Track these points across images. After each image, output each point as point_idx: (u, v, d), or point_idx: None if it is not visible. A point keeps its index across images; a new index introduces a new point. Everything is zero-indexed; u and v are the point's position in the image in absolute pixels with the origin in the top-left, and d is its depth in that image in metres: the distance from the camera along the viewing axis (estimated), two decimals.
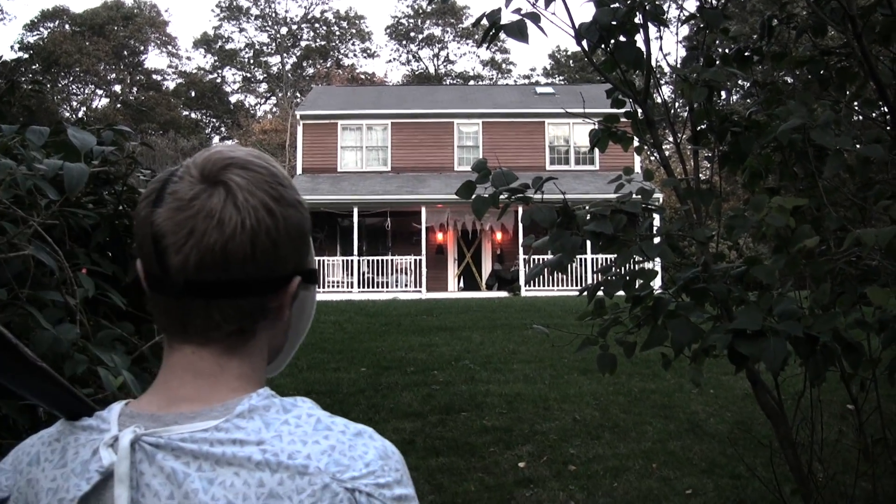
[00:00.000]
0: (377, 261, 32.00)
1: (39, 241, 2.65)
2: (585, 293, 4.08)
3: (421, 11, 78.84)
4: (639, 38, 4.09)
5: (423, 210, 31.53)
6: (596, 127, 4.62)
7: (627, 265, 3.82)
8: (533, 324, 5.59)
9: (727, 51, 4.77)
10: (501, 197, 3.87)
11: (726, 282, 3.75)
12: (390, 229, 33.58)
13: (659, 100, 4.65)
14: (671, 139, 4.64)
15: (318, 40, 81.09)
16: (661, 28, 4.30)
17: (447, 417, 9.89)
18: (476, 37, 72.44)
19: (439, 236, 33.76)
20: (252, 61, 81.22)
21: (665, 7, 4.20)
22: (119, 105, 71.16)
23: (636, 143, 4.61)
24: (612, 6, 3.95)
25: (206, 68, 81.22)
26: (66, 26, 71.83)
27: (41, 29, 71.04)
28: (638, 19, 4.05)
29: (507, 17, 3.82)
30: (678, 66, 4.54)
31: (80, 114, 66.85)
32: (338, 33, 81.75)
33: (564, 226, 3.81)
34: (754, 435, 7.48)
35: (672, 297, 3.92)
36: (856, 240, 2.98)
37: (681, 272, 3.98)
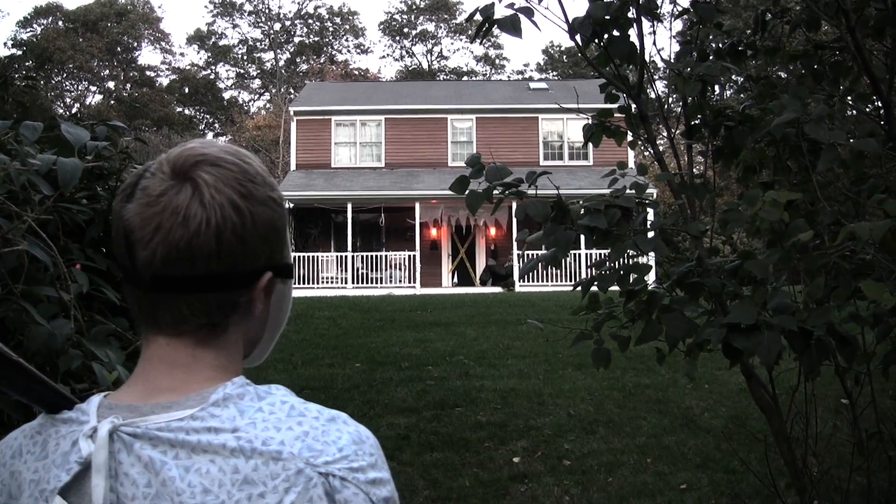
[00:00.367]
0: (371, 256, 31.98)
1: (33, 236, 2.65)
2: (579, 288, 4.08)
3: (414, 7, 78.84)
4: (632, 33, 4.09)
5: (417, 206, 31.55)
6: (590, 122, 4.62)
7: (621, 260, 3.83)
8: (527, 319, 5.60)
9: (721, 45, 4.78)
10: (495, 192, 3.88)
11: (720, 276, 3.75)
12: (384, 225, 33.55)
13: (653, 94, 4.65)
14: (665, 134, 4.64)
15: (311, 36, 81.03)
16: (655, 23, 4.30)
17: (441, 413, 9.89)
18: (469, 32, 72.42)
19: (433, 232, 33.76)
20: (245, 57, 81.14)
21: (658, 1, 4.20)
22: (113, 101, 71.05)
23: (630, 137, 4.61)
24: (605, 1, 3.95)
25: (199, 64, 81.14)
26: (60, 23, 71.66)
27: (34, 25, 70.89)
28: (631, 14, 4.05)
29: (500, 12, 3.82)
30: (672, 60, 4.54)
31: (74, 110, 66.75)
32: (331, 29, 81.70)
33: (558, 220, 3.81)
34: (749, 429, 7.50)
35: (666, 292, 3.93)
36: (850, 234, 2.98)
37: (675, 267, 3.98)
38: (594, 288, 3.99)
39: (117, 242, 1.29)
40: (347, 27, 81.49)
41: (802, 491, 4.18)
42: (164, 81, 78.45)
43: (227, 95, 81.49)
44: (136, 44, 76.77)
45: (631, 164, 24.65)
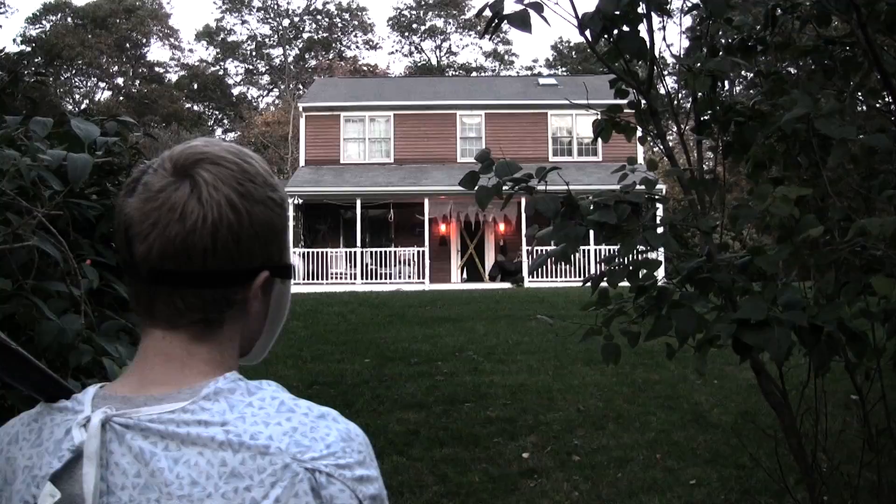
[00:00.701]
0: (380, 252, 32.01)
1: (44, 231, 2.66)
2: (589, 283, 4.08)
3: (423, 3, 78.77)
4: (642, 28, 4.08)
5: (426, 201, 31.56)
6: (599, 117, 4.61)
7: (631, 255, 3.82)
8: (537, 315, 5.59)
9: (731, 41, 4.76)
10: (505, 187, 3.87)
11: (730, 272, 3.75)
12: (393, 221, 33.58)
13: (662, 90, 4.65)
14: (675, 129, 4.64)
15: (320, 32, 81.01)
16: (665, 18, 4.29)
17: (451, 408, 9.89)
18: (478, 28, 72.50)
19: (442, 228, 33.77)
20: (254, 53, 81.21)
21: None
22: (122, 98, 71.15)
23: (640, 133, 4.61)
24: None
25: (208, 61, 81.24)
26: (69, 19, 71.77)
27: (43, 22, 71.03)
28: (641, 9, 4.04)
29: (509, 7, 3.81)
30: (682, 56, 4.53)
31: (83, 106, 66.83)
32: (340, 25, 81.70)
33: (568, 216, 3.80)
34: (758, 425, 7.48)
35: (676, 287, 3.92)
36: (860, 230, 2.97)
37: (685, 262, 3.98)
38: (604, 283, 3.98)
39: (118, 236, 1.32)
40: (356, 23, 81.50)
41: (812, 487, 4.18)
42: (173, 77, 78.62)
43: (235, 91, 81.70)
44: (144, 40, 76.86)
45: (640, 159, 24.65)
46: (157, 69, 78.16)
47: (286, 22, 79.94)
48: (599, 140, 4.67)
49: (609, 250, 23.01)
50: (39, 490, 1.22)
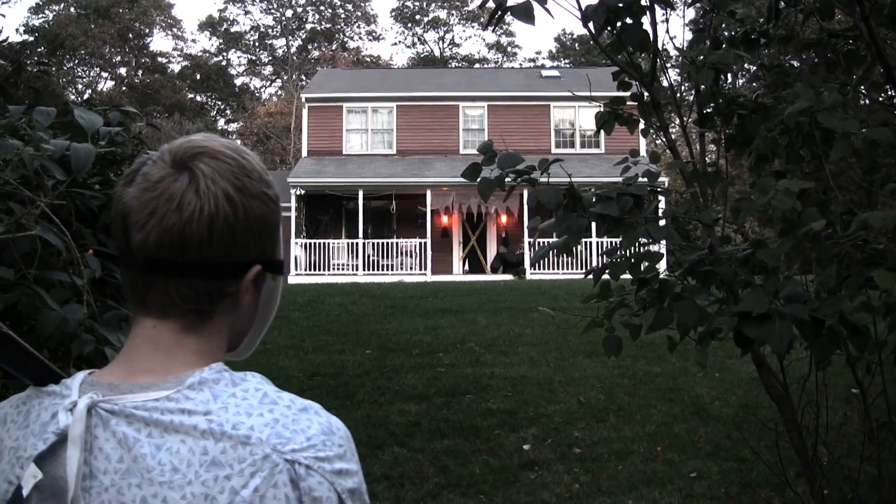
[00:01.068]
0: (382, 244, 32.04)
1: (46, 221, 2.66)
2: (591, 276, 4.08)
3: None
4: (645, 21, 4.07)
5: (429, 193, 31.56)
6: (602, 109, 4.61)
7: (633, 247, 3.82)
8: (538, 306, 5.59)
9: (734, 33, 4.76)
10: (507, 179, 3.87)
11: (732, 265, 3.75)
12: (395, 212, 33.59)
13: (665, 83, 4.64)
14: (677, 122, 4.63)
15: (323, 23, 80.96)
16: (668, 10, 4.29)
17: (452, 400, 9.90)
18: (482, 19, 72.31)
19: (444, 219, 33.76)
20: (257, 44, 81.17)
21: None
22: (124, 88, 71.13)
23: (642, 125, 4.60)
24: None
25: (211, 51, 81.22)
26: (72, 9, 71.71)
27: (46, 12, 70.95)
28: (645, 1, 4.04)
29: None
30: (685, 48, 4.53)
31: (86, 96, 66.81)
32: (343, 16, 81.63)
33: (570, 208, 3.80)
34: (759, 418, 7.48)
35: (678, 280, 3.92)
36: (862, 223, 2.97)
37: (687, 255, 3.98)
38: (606, 276, 3.98)
39: (116, 224, 1.36)
40: (359, 14, 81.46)
41: (812, 480, 4.18)
42: (176, 68, 78.65)
43: (238, 82, 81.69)
44: (147, 30, 76.87)
45: (643, 152, 24.62)
46: (159, 59, 78.22)
47: (289, 12, 79.93)
48: (602, 132, 4.67)
49: (611, 242, 23.01)
50: (23, 471, 1.24)
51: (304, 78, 71.54)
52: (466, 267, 34.32)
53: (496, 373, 11.22)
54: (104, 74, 75.19)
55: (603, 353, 4.23)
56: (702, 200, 4.27)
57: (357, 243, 31.73)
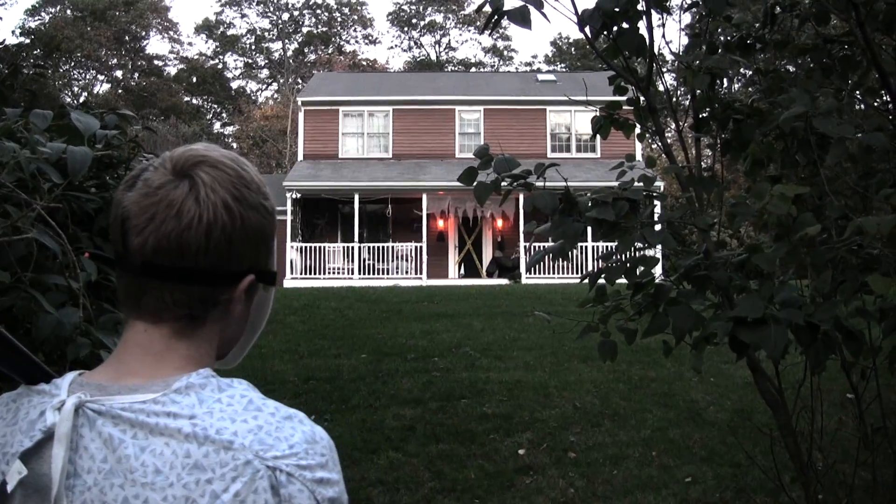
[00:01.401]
0: (378, 247, 32.06)
1: (42, 224, 2.66)
2: (586, 280, 4.08)
3: None
4: (642, 25, 4.08)
5: (424, 197, 31.55)
6: (598, 114, 4.62)
7: (629, 252, 3.83)
8: (534, 311, 5.60)
9: (730, 38, 4.77)
10: (503, 183, 3.87)
11: (728, 270, 3.75)
12: (391, 216, 33.63)
13: (661, 87, 4.65)
14: (673, 126, 4.64)
15: (319, 26, 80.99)
16: (664, 15, 4.30)
17: (447, 404, 9.91)
18: (478, 23, 72.37)
19: (440, 223, 33.77)
20: (253, 47, 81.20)
21: None
22: (120, 91, 71.11)
23: (638, 130, 4.61)
24: None
25: (207, 54, 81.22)
26: (68, 11, 71.73)
27: (42, 14, 70.99)
28: (641, 6, 4.04)
29: (509, 3, 3.81)
30: (681, 53, 4.54)
31: (82, 99, 66.78)
32: (339, 19, 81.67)
33: (566, 212, 3.81)
34: (754, 423, 7.49)
35: (673, 285, 3.93)
36: (857, 228, 2.98)
37: (682, 260, 3.98)
38: (601, 280, 3.99)
39: (114, 228, 1.38)
40: (356, 17, 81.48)
41: (807, 485, 4.19)
42: (172, 71, 78.59)
43: (234, 85, 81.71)
44: (144, 33, 76.86)
45: (639, 156, 24.64)
46: (156, 62, 78.18)
47: (285, 16, 79.96)
48: (598, 137, 4.68)
49: (607, 247, 23.01)
50: (9, 467, 1.26)
51: (300, 81, 71.57)
52: (462, 271, 34.34)
53: (491, 377, 11.22)
54: (100, 77, 75.23)
55: (598, 357, 4.23)
56: (697, 205, 4.28)
57: (353, 247, 31.73)
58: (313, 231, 34.26)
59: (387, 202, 33.23)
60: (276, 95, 78.38)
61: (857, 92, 4.72)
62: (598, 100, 4.64)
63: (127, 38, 74.73)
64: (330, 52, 78.42)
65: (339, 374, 11.41)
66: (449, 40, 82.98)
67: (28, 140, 2.82)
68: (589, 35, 4.08)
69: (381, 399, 10.10)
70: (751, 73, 5.67)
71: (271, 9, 79.81)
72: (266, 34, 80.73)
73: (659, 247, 3.76)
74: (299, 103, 36.24)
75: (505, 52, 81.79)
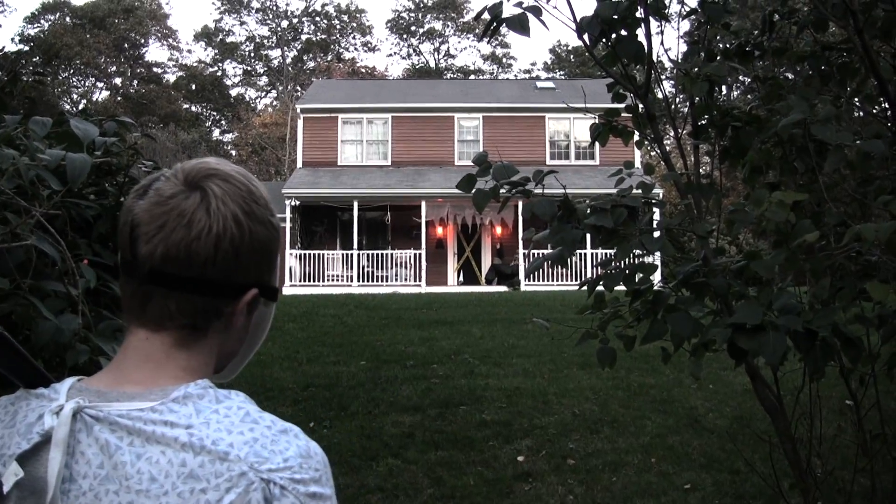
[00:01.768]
0: (377, 255, 32.03)
1: (42, 231, 2.66)
2: (585, 287, 4.08)
3: (422, 5, 78.82)
4: (640, 33, 4.09)
5: (423, 204, 31.56)
6: (597, 121, 4.62)
7: (627, 259, 3.83)
8: (533, 318, 5.63)
9: (728, 46, 4.78)
10: (502, 190, 3.88)
11: (726, 276, 3.75)
12: (390, 223, 33.61)
13: (660, 94, 4.65)
14: (672, 134, 4.65)
15: (318, 34, 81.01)
16: (663, 22, 4.30)
17: (446, 411, 9.89)
18: (477, 31, 72.52)
19: (439, 230, 33.77)
20: (253, 54, 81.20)
21: (666, 1, 4.20)
22: (119, 98, 71.14)
23: (637, 137, 4.62)
24: (613, 0, 3.95)
25: (206, 61, 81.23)
26: (67, 19, 71.73)
27: (42, 21, 70.97)
28: (639, 13, 4.05)
29: (508, 11, 3.82)
30: (679, 60, 4.54)
31: (81, 106, 66.76)
32: (338, 27, 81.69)
33: (565, 219, 3.81)
34: (753, 430, 7.49)
35: (672, 292, 3.93)
36: (856, 235, 2.98)
37: (681, 266, 3.98)
38: (600, 287, 3.99)
39: (122, 234, 1.38)
40: (355, 25, 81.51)
41: (806, 492, 4.19)
42: (171, 78, 78.56)
43: (233, 92, 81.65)
44: (143, 40, 76.85)
45: (637, 163, 24.70)
46: (155, 69, 78.14)
47: (285, 23, 79.99)
48: (597, 144, 4.69)
49: (606, 254, 23.03)
50: (5, 469, 1.27)
51: (299, 89, 71.64)
52: (461, 278, 34.33)
53: (490, 384, 11.21)
54: (99, 84, 75.18)
55: (597, 364, 4.23)
56: (696, 212, 4.28)
57: (352, 254, 31.72)
58: (312, 238, 34.25)
59: (386, 209, 33.21)
60: (275, 103, 78.49)
61: (856, 99, 4.74)
62: (596, 107, 4.66)
63: (126, 45, 74.75)
64: (329, 59, 78.44)
65: (338, 381, 11.40)
66: (448, 48, 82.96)
67: (27, 147, 2.83)
68: (587, 42, 4.09)
69: (380, 406, 10.09)
70: (749, 80, 5.68)
71: (270, 16, 79.92)
72: (265, 41, 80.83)
73: (657, 254, 3.76)
74: (298, 110, 36.27)
75: (504, 60, 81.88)
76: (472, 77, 74.12)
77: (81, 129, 2.96)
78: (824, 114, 3.55)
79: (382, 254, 32.09)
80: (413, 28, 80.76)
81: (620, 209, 3.72)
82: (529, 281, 30.07)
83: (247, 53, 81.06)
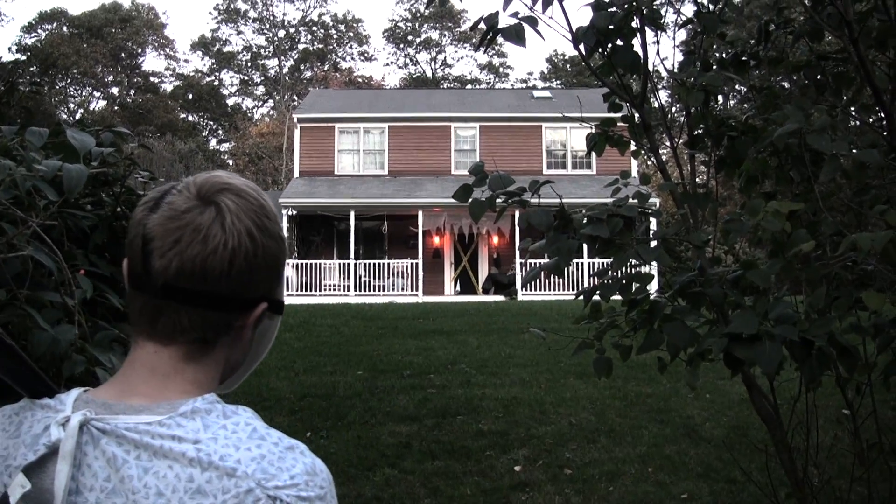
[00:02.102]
0: (374, 264, 32.03)
1: (38, 241, 2.66)
2: (582, 297, 4.08)
3: (418, 15, 78.91)
4: (636, 43, 4.10)
5: (420, 214, 31.56)
6: (593, 131, 4.63)
7: (624, 269, 3.83)
8: (529, 327, 5.64)
9: (724, 55, 4.79)
10: (498, 200, 3.88)
11: (722, 286, 3.75)
12: (387, 233, 33.63)
13: (656, 104, 4.66)
14: (668, 143, 4.65)
15: (315, 43, 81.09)
16: (659, 32, 4.31)
17: (443, 421, 9.89)
18: (473, 40, 72.48)
19: (436, 240, 33.76)
20: (249, 64, 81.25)
21: (662, 11, 4.21)
22: (116, 107, 71.14)
23: (633, 147, 4.62)
24: (609, 10, 3.96)
25: (203, 71, 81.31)
26: (64, 28, 71.83)
27: (39, 31, 71.07)
28: (635, 23, 4.06)
29: (504, 21, 3.83)
30: (675, 70, 4.55)
31: (78, 116, 66.74)
32: (335, 36, 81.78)
33: (561, 229, 3.81)
34: (750, 439, 7.50)
35: (668, 301, 3.93)
36: (851, 244, 2.99)
37: (677, 276, 3.99)
38: (596, 297, 3.99)
39: (133, 248, 1.37)
40: (351, 35, 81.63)
41: (803, 501, 4.18)
42: (168, 87, 78.68)
43: (230, 102, 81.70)
44: (140, 50, 76.93)
45: (634, 173, 24.70)
46: (152, 79, 78.21)
47: (281, 33, 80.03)
48: (593, 153, 4.69)
49: (602, 264, 23.04)
50: (11, 479, 1.27)
51: (296, 98, 71.71)
52: (458, 288, 34.33)
53: (487, 394, 11.20)
54: (96, 94, 75.25)
55: (594, 374, 4.23)
56: (692, 222, 4.28)
57: (349, 264, 31.73)
58: (309, 248, 34.26)
59: (383, 219, 33.23)
60: (271, 112, 78.47)
61: (851, 108, 4.74)
62: (593, 116, 4.67)
63: (123, 54, 74.82)
64: (326, 68, 78.47)
65: (335, 390, 11.39)
66: (444, 57, 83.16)
67: (24, 157, 2.83)
68: (583, 52, 4.10)
69: (376, 416, 10.08)
70: (745, 89, 5.69)
71: (267, 26, 79.99)
72: (262, 51, 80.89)
73: (654, 263, 3.77)
74: (295, 120, 36.27)
75: (500, 69, 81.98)
76: (469, 86, 74.22)
77: (78, 140, 2.96)
78: (820, 123, 3.55)
79: (379, 263, 32.09)
80: (410, 37, 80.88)
81: (617, 219, 3.72)
82: (526, 290, 30.09)
83: (244, 63, 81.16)
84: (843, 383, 4.08)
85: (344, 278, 32.01)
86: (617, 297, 3.90)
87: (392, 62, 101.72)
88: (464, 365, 13.13)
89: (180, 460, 1.23)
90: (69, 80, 72.02)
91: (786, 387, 4.49)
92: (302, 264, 31.96)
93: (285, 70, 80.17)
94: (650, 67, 4.27)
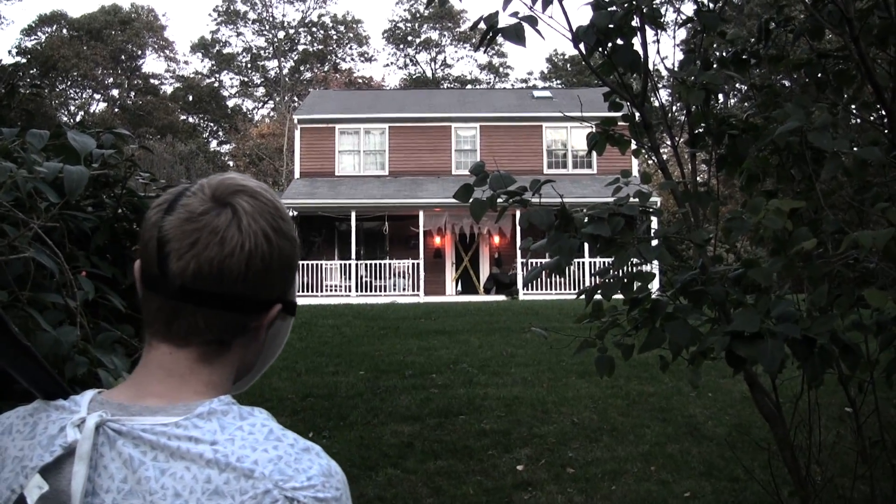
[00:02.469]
0: (375, 265, 31.99)
1: (40, 243, 2.66)
2: (583, 296, 4.08)
3: (418, 15, 78.87)
4: (636, 42, 4.10)
5: (421, 214, 31.53)
6: (593, 130, 4.63)
7: (625, 268, 3.83)
8: (531, 327, 5.64)
9: (724, 54, 4.78)
10: (499, 200, 3.88)
11: (724, 284, 3.75)
12: (388, 233, 33.60)
13: (656, 103, 4.66)
14: (669, 142, 4.65)
15: (315, 44, 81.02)
16: (659, 31, 4.31)
17: (445, 421, 9.89)
18: (473, 40, 72.46)
19: (437, 240, 33.72)
20: (249, 65, 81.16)
21: (662, 10, 4.21)
22: (117, 109, 71.13)
23: (634, 146, 4.62)
24: (609, 9, 3.96)
25: (203, 72, 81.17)
26: (64, 31, 71.77)
27: (39, 33, 71.03)
28: (635, 22, 4.06)
29: (504, 21, 3.83)
30: (675, 69, 4.55)
31: (78, 118, 66.79)
32: (335, 37, 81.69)
33: (562, 228, 3.81)
34: (752, 438, 7.49)
35: (670, 300, 3.93)
36: (853, 242, 2.98)
37: (678, 275, 3.98)
38: (598, 296, 3.99)
39: (148, 250, 1.37)
40: (351, 35, 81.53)
41: (806, 499, 4.18)
42: (168, 89, 78.57)
43: (231, 103, 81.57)
44: (140, 52, 76.86)
45: (635, 172, 24.66)
46: (152, 81, 78.15)
47: (281, 34, 79.95)
48: (594, 153, 4.68)
49: (603, 263, 23.02)
50: (27, 481, 1.27)
51: (296, 99, 71.72)
52: (459, 288, 34.30)
53: (489, 393, 11.20)
54: (96, 96, 75.20)
55: (596, 372, 4.23)
56: (693, 220, 4.28)
57: (350, 264, 31.70)
58: (310, 248, 34.22)
59: (383, 219, 33.21)
60: (272, 113, 78.43)
61: (852, 106, 4.74)
62: (593, 115, 4.66)
63: (123, 56, 74.75)
64: (326, 69, 78.39)
65: (337, 391, 11.39)
66: (444, 57, 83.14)
67: (25, 159, 2.83)
68: (584, 52, 4.09)
69: (378, 416, 10.09)
70: (746, 88, 5.69)
71: (267, 27, 79.92)
72: (262, 52, 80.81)
73: (655, 262, 3.76)
74: (295, 121, 36.25)
75: (500, 69, 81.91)
76: (469, 86, 74.13)
77: (79, 142, 2.96)
78: (821, 121, 3.55)
79: (380, 264, 32.06)
80: (410, 38, 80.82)
81: (618, 218, 3.72)
82: (527, 290, 30.06)
83: (244, 64, 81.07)
84: (845, 381, 4.08)
85: (345, 279, 31.97)
86: (618, 296, 3.90)
87: (392, 63, 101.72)
88: (466, 364, 13.13)
89: (197, 461, 1.23)
90: (69, 83, 71.96)
91: (788, 385, 4.48)
92: (303, 265, 31.93)
93: (285, 71, 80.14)
94: (650, 66, 4.27)
